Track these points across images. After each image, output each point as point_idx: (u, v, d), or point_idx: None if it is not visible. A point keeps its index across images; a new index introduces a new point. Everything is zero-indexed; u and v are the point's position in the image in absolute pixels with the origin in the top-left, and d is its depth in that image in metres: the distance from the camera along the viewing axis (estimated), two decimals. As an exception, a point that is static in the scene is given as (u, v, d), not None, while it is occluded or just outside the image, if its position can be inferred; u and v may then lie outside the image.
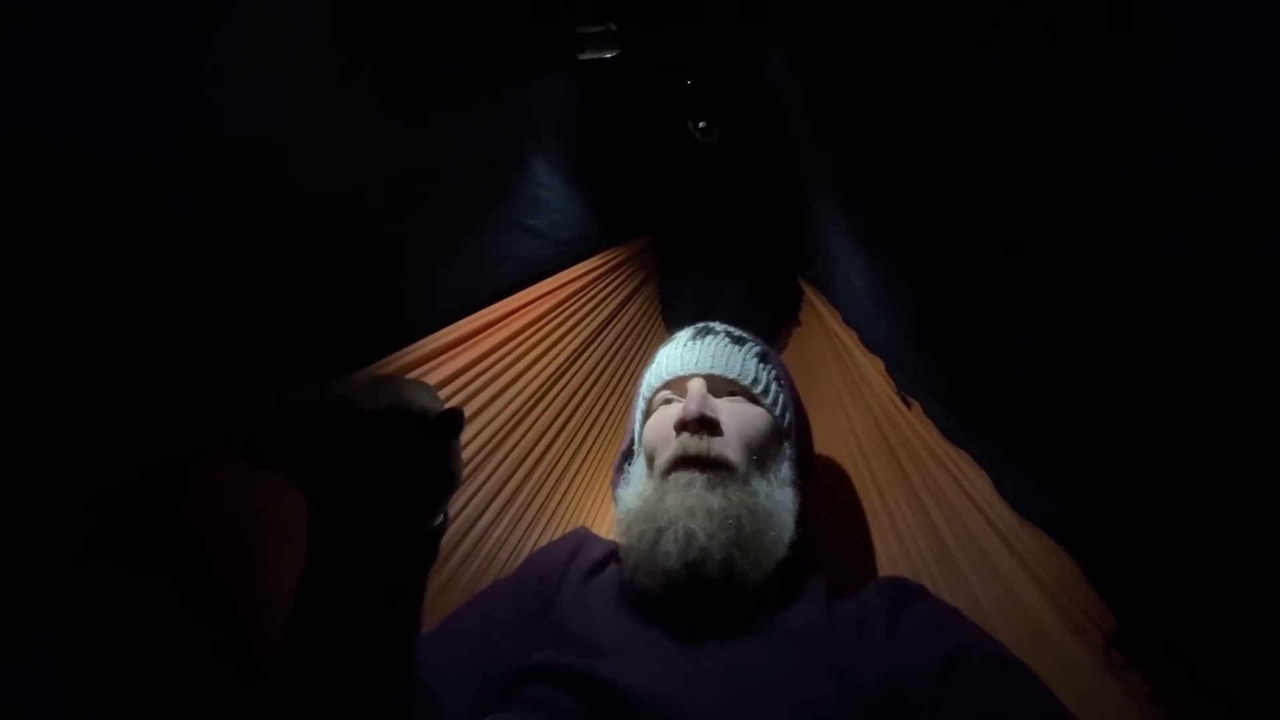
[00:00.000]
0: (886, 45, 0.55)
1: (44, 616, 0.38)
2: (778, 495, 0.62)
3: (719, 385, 0.68)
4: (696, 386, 0.66)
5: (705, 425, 0.62)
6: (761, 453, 0.64)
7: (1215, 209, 0.31)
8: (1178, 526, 0.40)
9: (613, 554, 0.70)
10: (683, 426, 0.62)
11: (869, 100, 0.63)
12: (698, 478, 0.59)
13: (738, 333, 0.75)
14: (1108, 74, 0.35)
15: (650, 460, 0.66)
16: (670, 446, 0.62)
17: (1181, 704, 0.39)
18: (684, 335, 0.75)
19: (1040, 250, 0.44)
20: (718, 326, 0.76)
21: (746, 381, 0.68)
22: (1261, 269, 0.30)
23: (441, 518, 0.47)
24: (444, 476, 0.44)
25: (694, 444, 0.60)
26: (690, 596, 0.56)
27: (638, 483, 0.66)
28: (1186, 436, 0.37)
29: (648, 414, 0.71)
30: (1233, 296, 0.32)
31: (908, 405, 0.73)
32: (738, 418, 0.64)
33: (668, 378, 0.70)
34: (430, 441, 0.42)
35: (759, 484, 0.61)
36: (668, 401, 0.69)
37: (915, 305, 0.69)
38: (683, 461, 0.60)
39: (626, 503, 0.64)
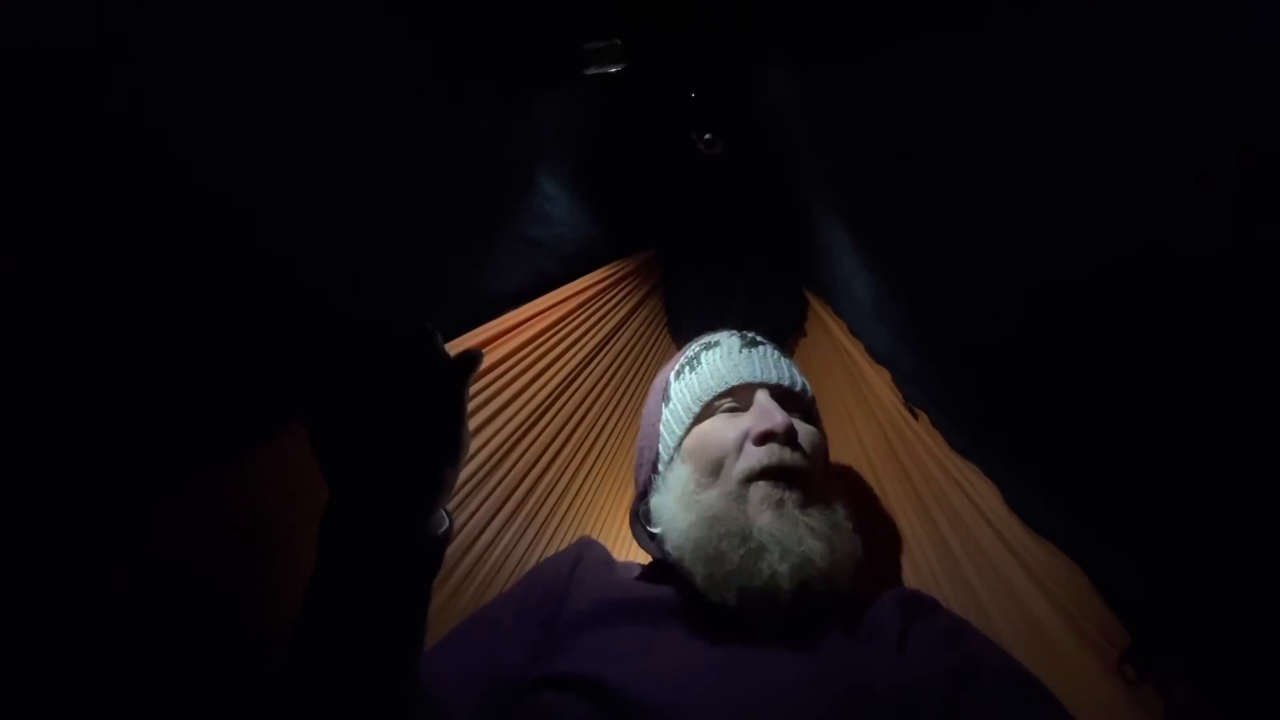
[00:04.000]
0: (889, 59, 0.55)
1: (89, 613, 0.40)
2: (839, 513, 0.62)
3: (781, 397, 0.66)
4: (767, 397, 0.64)
5: (792, 438, 0.61)
6: (825, 470, 0.64)
7: (1226, 215, 0.31)
8: (1190, 539, 0.39)
9: (614, 561, 0.69)
10: (769, 437, 0.60)
11: (872, 112, 0.63)
12: (788, 495, 0.58)
13: (776, 347, 0.75)
14: (1111, 83, 0.35)
15: (710, 467, 0.63)
16: (750, 457, 0.60)
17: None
18: (733, 343, 0.72)
19: (1047, 261, 0.44)
20: (758, 337, 0.74)
21: (808, 398, 0.67)
22: (1268, 278, 0.30)
23: (446, 524, 0.48)
24: (455, 428, 0.47)
25: (789, 456, 0.60)
26: (761, 612, 0.55)
27: (687, 489, 0.62)
28: (1199, 449, 0.37)
29: (698, 420, 0.68)
30: (1242, 306, 0.32)
31: (915, 416, 0.73)
32: (806, 434, 0.64)
33: (734, 383, 0.67)
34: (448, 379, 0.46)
35: (832, 502, 0.62)
36: (730, 409, 0.67)
37: (921, 316, 0.69)
38: (769, 473, 0.59)
39: (684, 511, 0.61)
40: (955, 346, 0.62)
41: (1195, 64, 0.30)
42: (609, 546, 0.76)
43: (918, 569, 0.69)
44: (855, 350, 0.90)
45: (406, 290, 0.66)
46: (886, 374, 0.80)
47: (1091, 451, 0.46)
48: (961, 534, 0.63)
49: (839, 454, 0.91)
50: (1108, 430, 0.44)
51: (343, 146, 0.54)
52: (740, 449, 0.62)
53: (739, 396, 0.67)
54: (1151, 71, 0.32)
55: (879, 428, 0.82)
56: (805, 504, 0.58)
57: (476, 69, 0.67)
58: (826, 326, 1.04)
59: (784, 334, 1.22)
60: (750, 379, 0.67)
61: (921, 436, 0.71)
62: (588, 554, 0.70)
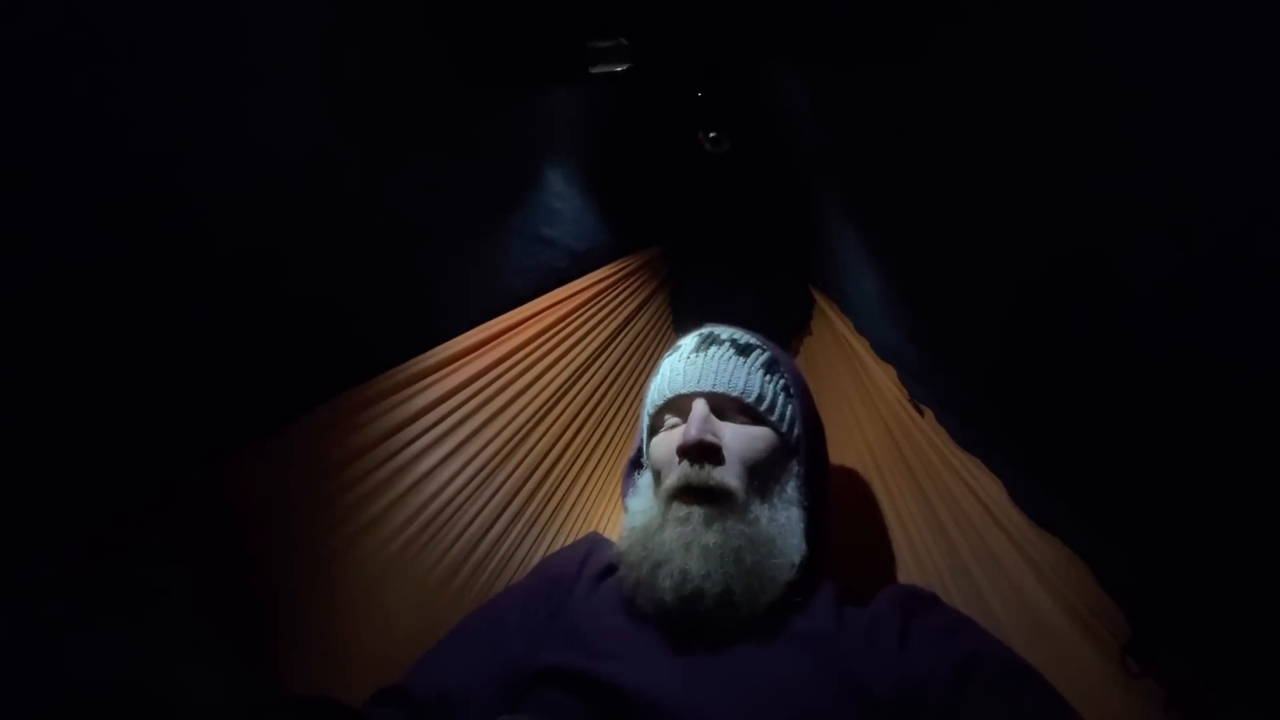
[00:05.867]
0: (895, 56, 0.55)
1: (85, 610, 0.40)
2: (781, 519, 0.61)
3: (722, 402, 0.65)
4: (698, 409, 0.63)
5: (705, 452, 0.60)
6: (765, 475, 0.62)
7: (1228, 211, 0.32)
8: (1193, 532, 0.40)
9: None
10: (683, 453, 0.61)
11: (879, 110, 0.63)
12: (696, 512, 0.58)
13: (744, 339, 0.72)
14: (1114, 82, 0.35)
15: (657, 479, 0.65)
16: (672, 473, 0.61)
17: (1197, 712, 0.39)
18: (688, 344, 0.72)
19: (1051, 258, 0.45)
20: (723, 334, 0.72)
21: (750, 399, 0.65)
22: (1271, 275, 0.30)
23: None
24: None
25: (694, 474, 0.59)
26: (688, 622, 0.55)
27: (644, 497, 0.65)
28: (1202, 443, 0.37)
29: (653, 430, 0.69)
30: (1250, 302, 0.32)
31: (920, 413, 0.73)
32: (740, 439, 0.62)
33: (670, 395, 0.67)
34: None
35: (760, 510, 0.60)
36: (670, 421, 0.67)
37: (926, 313, 0.69)
38: (683, 492, 0.59)
39: (631, 519, 0.64)
40: (961, 343, 0.62)
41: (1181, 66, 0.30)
42: (617, 541, 0.76)
43: (921, 563, 0.70)
44: (860, 347, 0.90)
45: (416, 287, 0.67)
46: (891, 370, 0.80)
47: (1095, 446, 0.46)
48: (965, 528, 0.63)
49: (843, 449, 0.91)
50: (1111, 425, 0.44)
51: (353, 144, 0.55)
52: (670, 463, 0.63)
53: (680, 407, 0.67)
54: (1154, 70, 0.32)
55: (883, 423, 0.82)
56: (711, 520, 0.57)
57: (485, 68, 0.67)
58: (832, 323, 1.04)
59: (789, 331, 1.22)
60: (683, 390, 0.66)
61: (926, 432, 0.71)
62: (596, 550, 0.70)
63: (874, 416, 0.86)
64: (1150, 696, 0.41)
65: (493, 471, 0.74)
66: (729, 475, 0.60)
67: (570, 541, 0.84)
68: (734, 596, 0.54)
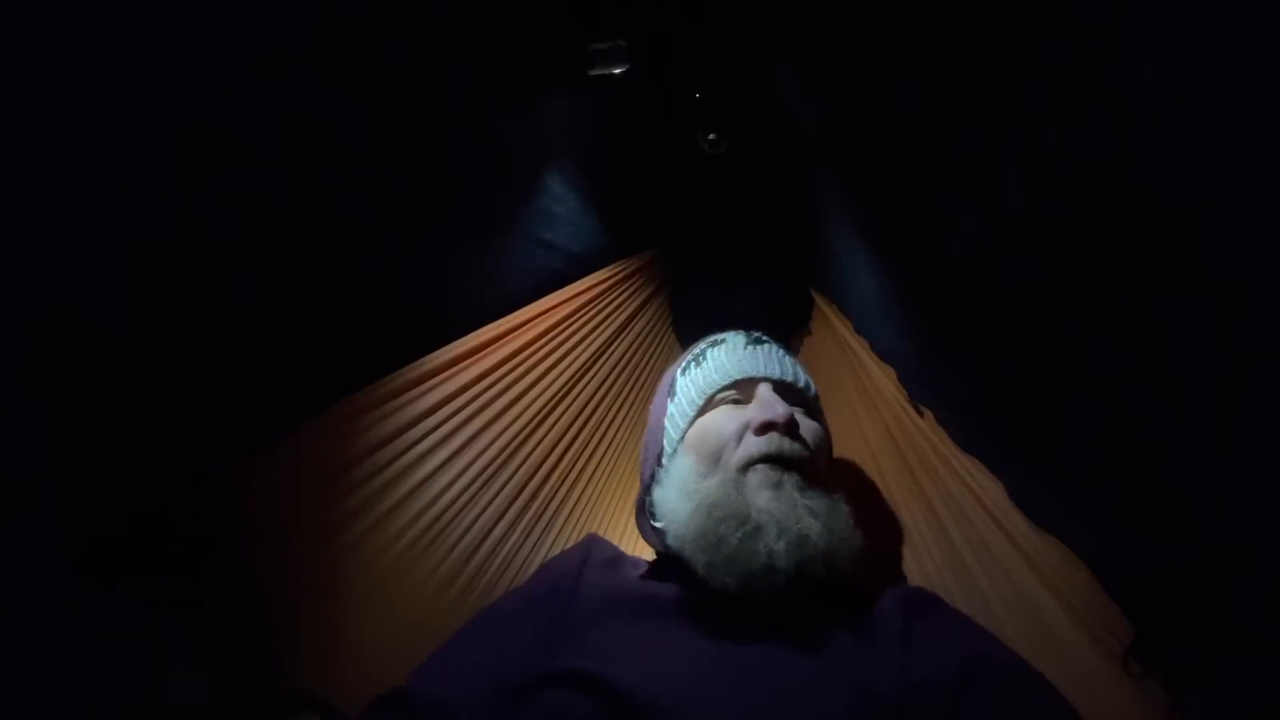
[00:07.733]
0: (896, 57, 0.55)
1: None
2: (840, 506, 0.62)
3: (782, 393, 0.67)
4: (769, 390, 0.66)
5: (793, 428, 0.62)
6: (826, 463, 0.65)
7: (1223, 209, 0.32)
8: (1195, 534, 0.40)
9: (623, 557, 0.70)
10: (770, 427, 0.61)
11: (878, 111, 0.63)
12: (786, 477, 0.59)
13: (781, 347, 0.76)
14: (1113, 81, 0.35)
15: (711, 456, 0.64)
16: (750, 445, 0.61)
17: (1200, 715, 0.39)
18: (738, 340, 0.74)
19: (1051, 259, 0.45)
20: (764, 336, 0.76)
21: (810, 395, 0.68)
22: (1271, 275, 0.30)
23: None
24: None
25: (788, 446, 0.61)
26: (762, 598, 0.54)
27: (688, 479, 0.63)
28: (1204, 445, 0.37)
29: (701, 412, 0.69)
30: (1247, 300, 0.32)
31: (920, 414, 0.73)
32: (807, 428, 0.65)
33: (737, 377, 0.69)
34: None
35: (831, 492, 0.62)
36: (734, 401, 0.68)
37: (926, 314, 0.69)
38: (767, 459, 0.60)
39: (682, 501, 0.61)
40: (960, 344, 0.62)
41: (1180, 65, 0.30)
42: (616, 543, 0.76)
43: (922, 565, 0.70)
44: (860, 348, 0.90)
45: (416, 290, 0.67)
46: (892, 371, 0.80)
47: (1096, 447, 0.46)
48: (966, 529, 0.63)
49: (844, 450, 0.91)
50: (1112, 426, 0.44)
51: (353, 148, 0.55)
52: (740, 439, 0.63)
53: (742, 390, 0.68)
54: (1153, 75, 0.32)
55: (884, 424, 0.82)
56: (803, 487, 0.59)
57: (483, 72, 0.67)
58: (832, 324, 1.04)
59: (789, 331, 1.22)
60: (753, 373, 0.68)
61: (926, 433, 0.71)
62: (595, 551, 0.70)
63: (874, 417, 0.86)
64: (1153, 699, 0.41)
65: (493, 475, 0.74)
66: (811, 454, 0.62)
67: (571, 544, 0.84)
68: (834, 565, 0.56)
